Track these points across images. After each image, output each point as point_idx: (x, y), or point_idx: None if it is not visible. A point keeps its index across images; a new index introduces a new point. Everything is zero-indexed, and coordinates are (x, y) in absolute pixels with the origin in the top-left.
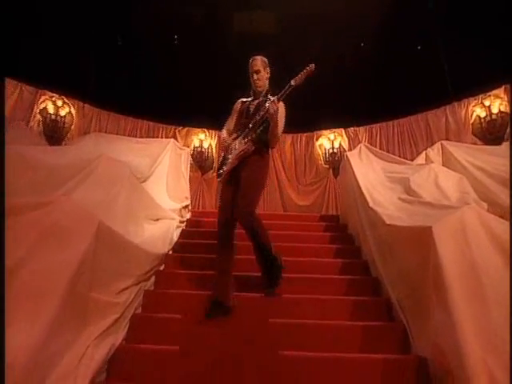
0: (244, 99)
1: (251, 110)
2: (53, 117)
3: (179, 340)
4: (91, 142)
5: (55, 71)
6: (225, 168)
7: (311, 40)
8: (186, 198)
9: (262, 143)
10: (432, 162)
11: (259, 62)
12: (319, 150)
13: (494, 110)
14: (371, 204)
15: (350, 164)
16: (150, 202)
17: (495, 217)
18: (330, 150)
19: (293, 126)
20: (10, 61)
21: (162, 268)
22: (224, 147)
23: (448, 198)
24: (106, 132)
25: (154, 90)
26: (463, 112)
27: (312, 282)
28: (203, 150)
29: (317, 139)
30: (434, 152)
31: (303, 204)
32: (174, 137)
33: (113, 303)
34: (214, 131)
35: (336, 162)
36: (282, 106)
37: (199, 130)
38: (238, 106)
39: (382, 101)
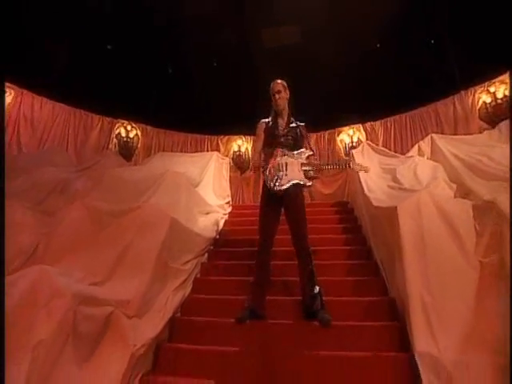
0: (266, 120)
1: (280, 129)
2: (124, 139)
3: (223, 292)
4: (158, 160)
5: (125, 103)
6: (281, 183)
7: (330, 47)
8: (228, 195)
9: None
10: (423, 153)
11: (280, 84)
12: (340, 145)
13: (499, 95)
14: (366, 191)
15: (353, 158)
16: (201, 200)
17: (445, 197)
18: (350, 144)
19: (317, 124)
20: (98, 101)
21: (212, 247)
22: (256, 167)
23: (421, 183)
24: (162, 145)
25: (199, 107)
26: (470, 99)
27: (322, 253)
28: (241, 153)
29: (338, 135)
30: (425, 144)
31: (327, 192)
32: (217, 145)
33: (182, 270)
34: (249, 137)
35: None
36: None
37: (237, 137)
38: (262, 126)
39: (395, 95)
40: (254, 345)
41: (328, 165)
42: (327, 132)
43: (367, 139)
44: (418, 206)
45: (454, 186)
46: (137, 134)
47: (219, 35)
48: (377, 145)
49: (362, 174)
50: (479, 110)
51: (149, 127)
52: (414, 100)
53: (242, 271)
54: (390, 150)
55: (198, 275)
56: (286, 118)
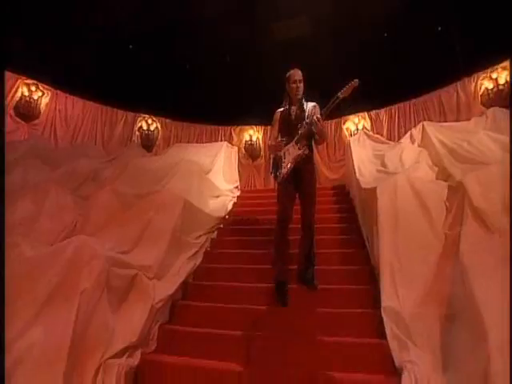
0: (281, 109)
1: (293, 117)
2: (146, 131)
3: (228, 262)
4: (175, 151)
5: (146, 98)
6: (283, 171)
7: (334, 35)
8: (236, 181)
9: (312, 150)
10: (414, 139)
11: (300, 73)
12: (346, 133)
13: (501, 81)
14: (357, 175)
15: (349, 146)
16: (212, 185)
17: (421, 179)
18: (355, 132)
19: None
20: (121, 98)
21: (221, 225)
22: (274, 152)
23: (404, 166)
24: (180, 137)
25: (214, 100)
26: (473, 86)
27: (318, 230)
28: (252, 142)
29: (344, 123)
30: (417, 131)
31: (333, 177)
32: (231, 135)
33: (194, 243)
34: (260, 127)
35: None
36: (317, 106)
37: (249, 127)
38: (277, 115)
39: (399, 83)
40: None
41: (322, 111)
42: (334, 121)
43: (372, 127)
44: (394, 187)
45: (436, 168)
46: (157, 127)
47: (231, 31)
48: (381, 133)
49: (355, 159)
50: (481, 96)
51: (168, 120)
52: (418, 88)
53: (246, 245)
54: (394, 137)
55: (208, 248)
56: (300, 106)
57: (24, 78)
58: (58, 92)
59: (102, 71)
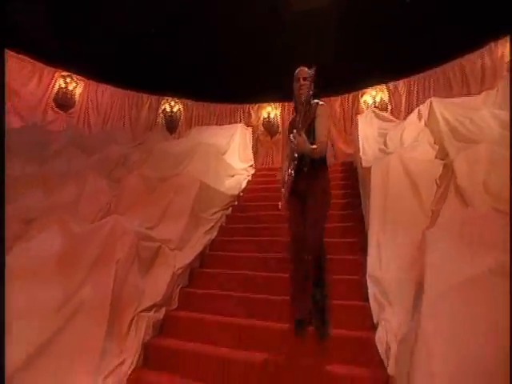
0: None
1: (300, 125)
2: (169, 114)
3: (241, 235)
4: (194, 134)
5: (169, 81)
6: (283, 191)
7: (353, 6)
8: (251, 159)
9: (317, 161)
10: (421, 116)
11: (307, 71)
12: (363, 106)
13: None
14: (361, 153)
15: (356, 123)
16: (227, 165)
17: (414, 159)
18: (373, 105)
19: (340, 87)
20: (146, 82)
21: (236, 202)
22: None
23: (403, 146)
24: (202, 117)
25: (232, 80)
26: (500, 51)
27: None
28: (270, 119)
29: (361, 96)
30: (424, 107)
31: (349, 152)
32: (249, 113)
33: (210, 219)
34: (277, 103)
35: None
36: (325, 108)
37: (267, 104)
38: (287, 128)
39: (419, 53)
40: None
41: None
42: (351, 94)
43: (390, 100)
44: (387, 167)
45: (436, 146)
46: (179, 109)
47: (248, 6)
48: (399, 107)
49: (360, 137)
50: (508, 63)
51: (189, 101)
52: (439, 57)
53: (258, 220)
54: (412, 110)
55: (224, 223)
56: (306, 111)
57: (60, 70)
58: (90, 82)
59: (127, 59)
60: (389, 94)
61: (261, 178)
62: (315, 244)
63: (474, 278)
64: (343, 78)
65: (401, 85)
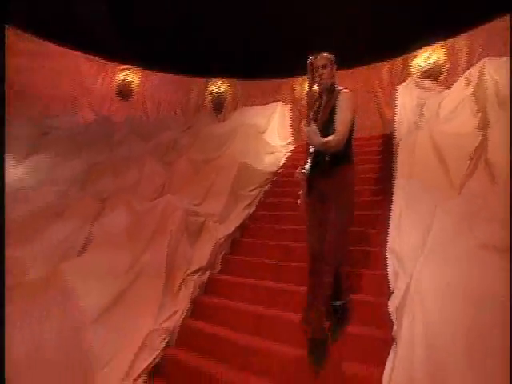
0: None
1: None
2: (216, 95)
3: (279, 210)
4: (237, 115)
5: (214, 62)
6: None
7: None
8: (289, 137)
9: (338, 157)
10: (469, 81)
11: (326, 56)
12: (415, 70)
13: None
14: (396, 125)
15: (396, 93)
16: (266, 144)
17: (444, 133)
18: (426, 69)
19: (389, 51)
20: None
21: (275, 178)
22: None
23: (438, 116)
24: (247, 95)
25: (278, 55)
26: None
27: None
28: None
29: (411, 60)
30: (475, 70)
31: None
32: (293, 87)
33: (248, 195)
34: None
35: (433, 76)
36: (348, 97)
37: None
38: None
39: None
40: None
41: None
42: (401, 58)
43: (446, 62)
44: (414, 142)
45: (478, 115)
46: (225, 89)
47: None
48: (457, 68)
49: (399, 106)
50: None
51: (235, 80)
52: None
53: (295, 195)
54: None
55: (262, 198)
56: (327, 101)
57: (120, 65)
58: (145, 72)
59: (175, 46)
60: (445, 54)
61: (301, 155)
62: (334, 254)
63: (470, 250)
64: (391, 40)
65: (460, 42)
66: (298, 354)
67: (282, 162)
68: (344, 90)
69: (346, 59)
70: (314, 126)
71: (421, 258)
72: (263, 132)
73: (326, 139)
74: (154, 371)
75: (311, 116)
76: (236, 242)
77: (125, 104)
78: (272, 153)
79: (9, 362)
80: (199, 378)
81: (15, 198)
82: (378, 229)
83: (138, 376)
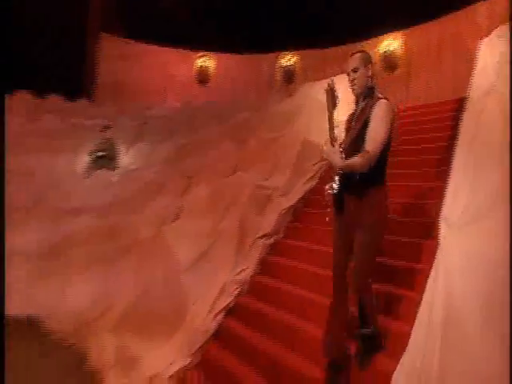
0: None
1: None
2: (285, 68)
3: None
4: (303, 89)
5: (281, 36)
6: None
7: None
8: None
9: (368, 177)
10: None
11: (357, 59)
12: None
13: None
14: (474, 87)
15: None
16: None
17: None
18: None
19: (438, 11)
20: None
21: None
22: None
23: None
24: (316, 66)
25: (347, 17)
26: None
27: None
28: (387, 53)
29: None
30: None
31: None
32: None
33: (312, 169)
34: (397, 32)
35: None
36: (384, 108)
37: (384, 36)
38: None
39: None
40: None
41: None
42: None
43: None
44: (484, 104)
45: None
46: (295, 62)
47: None
48: None
49: (477, 69)
50: None
51: (304, 51)
52: None
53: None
54: None
55: (323, 173)
56: (361, 109)
57: (197, 52)
58: (218, 55)
59: (243, 24)
60: None
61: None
62: (356, 280)
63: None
64: None
65: None
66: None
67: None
68: (381, 100)
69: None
70: (336, 146)
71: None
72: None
73: (348, 161)
74: (229, 312)
75: (333, 136)
76: (299, 212)
77: (204, 89)
78: (337, 126)
79: (127, 302)
80: (264, 320)
81: (127, 178)
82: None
83: (217, 313)
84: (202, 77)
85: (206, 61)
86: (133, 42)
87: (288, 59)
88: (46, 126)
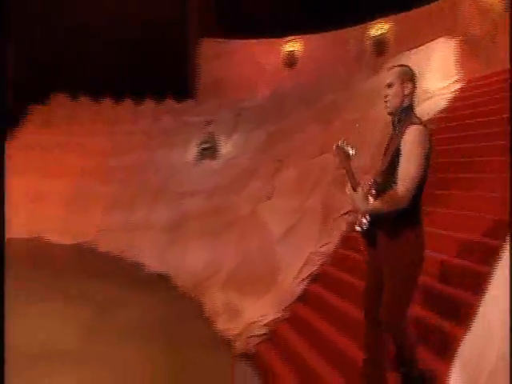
0: None
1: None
2: (375, 38)
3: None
4: (394, 62)
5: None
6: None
7: None
8: (454, 75)
9: (402, 216)
10: None
11: (396, 72)
12: None
13: None
14: None
15: None
16: (422, 91)
17: None
18: None
19: None
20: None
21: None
22: None
23: None
24: (413, 30)
25: None
26: None
27: None
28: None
29: None
30: None
31: None
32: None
33: None
34: None
35: None
36: (415, 136)
37: None
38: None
39: None
40: None
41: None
42: None
43: None
44: None
45: None
46: (387, 30)
47: None
48: None
49: None
50: None
51: (397, 16)
52: None
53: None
54: None
55: None
56: (390, 137)
57: (284, 38)
58: (304, 37)
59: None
60: None
61: (467, 93)
62: (392, 324)
63: None
64: None
65: None
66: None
67: (440, 107)
68: (412, 126)
69: None
70: (359, 191)
71: None
72: (422, 75)
73: (373, 205)
74: (314, 279)
75: (355, 183)
76: None
77: (292, 73)
78: (429, 98)
79: (230, 266)
80: (346, 288)
81: (227, 165)
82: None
83: (304, 279)
84: (290, 61)
85: (294, 45)
86: (224, 40)
87: (378, 28)
88: (165, 125)
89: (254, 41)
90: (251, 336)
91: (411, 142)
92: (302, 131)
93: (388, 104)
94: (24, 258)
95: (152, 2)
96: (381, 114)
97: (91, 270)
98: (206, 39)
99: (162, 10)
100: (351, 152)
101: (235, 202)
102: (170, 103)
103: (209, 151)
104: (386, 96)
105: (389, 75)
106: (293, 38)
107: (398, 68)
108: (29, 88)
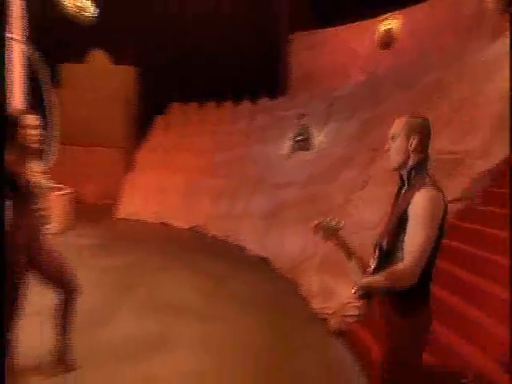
0: None
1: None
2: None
3: None
4: None
5: None
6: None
7: None
8: None
9: (407, 293)
10: None
11: (401, 123)
12: None
13: None
14: None
15: None
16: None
17: None
18: None
19: None
20: None
21: None
22: None
23: None
24: None
25: None
26: None
27: None
28: None
29: None
30: None
31: None
32: None
33: None
34: None
35: None
36: (424, 202)
37: None
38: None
39: None
40: None
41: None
42: None
43: None
44: None
45: None
46: None
47: None
48: None
49: None
50: None
51: None
52: None
53: None
54: None
55: None
56: (394, 201)
57: (379, 16)
58: (404, 11)
59: None
60: None
61: None
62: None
63: None
64: None
65: None
66: None
67: None
68: (424, 189)
69: None
70: (352, 265)
71: None
72: None
73: (374, 279)
74: None
75: (349, 250)
76: (500, 176)
77: (388, 54)
78: None
79: (324, 252)
80: (447, 276)
81: (320, 155)
82: None
83: None
84: (386, 41)
85: (390, 23)
86: (316, 31)
87: None
88: (260, 123)
89: (344, 26)
90: (345, 315)
91: (421, 208)
92: (396, 118)
93: (391, 159)
94: (157, 237)
95: (244, 7)
96: (496, 92)
97: (204, 249)
98: (296, 33)
99: (254, 13)
100: (340, 226)
101: (329, 191)
102: (264, 102)
103: (302, 143)
104: (387, 150)
105: (394, 126)
106: (389, 15)
107: (405, 119)
108: (154, 100)
